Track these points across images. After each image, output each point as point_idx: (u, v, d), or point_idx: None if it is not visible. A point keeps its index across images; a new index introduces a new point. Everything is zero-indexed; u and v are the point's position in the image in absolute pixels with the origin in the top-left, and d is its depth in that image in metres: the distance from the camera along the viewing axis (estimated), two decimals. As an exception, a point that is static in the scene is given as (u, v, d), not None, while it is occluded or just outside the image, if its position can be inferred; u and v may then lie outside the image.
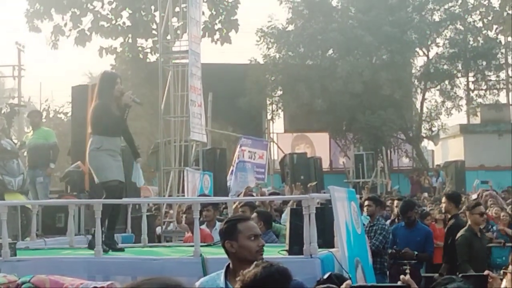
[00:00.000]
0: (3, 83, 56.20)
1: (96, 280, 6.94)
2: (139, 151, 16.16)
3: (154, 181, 25.05)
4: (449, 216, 10.98)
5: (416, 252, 11.25)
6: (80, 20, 36.33)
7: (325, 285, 5.54)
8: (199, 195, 13.12)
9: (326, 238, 8.58)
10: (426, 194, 24.09)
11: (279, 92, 37.18)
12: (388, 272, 11.05)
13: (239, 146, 22.71)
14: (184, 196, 14.31)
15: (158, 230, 14.04)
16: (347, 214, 8.80)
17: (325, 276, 5.59)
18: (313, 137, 40.46)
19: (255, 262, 4.28)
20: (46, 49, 37.53)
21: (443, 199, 11.29)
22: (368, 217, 11.28)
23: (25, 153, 14.14)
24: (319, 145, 39.39)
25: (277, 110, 38.25)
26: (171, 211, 14.91)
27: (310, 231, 8.06)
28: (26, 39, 72.29)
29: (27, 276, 6.47)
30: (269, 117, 37.84)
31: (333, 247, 8.48)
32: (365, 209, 11.25)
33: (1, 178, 11.21)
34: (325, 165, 34.13)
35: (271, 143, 31.31)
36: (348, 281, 4.88)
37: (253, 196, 14.38)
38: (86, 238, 10.94)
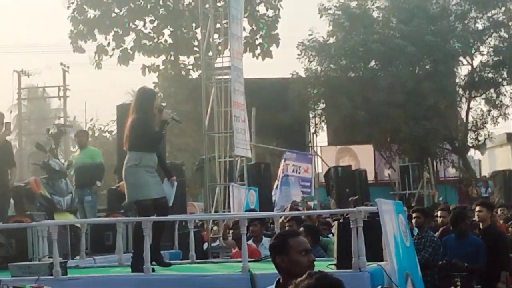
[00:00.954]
0: (49, 104, 56.90)
1: (146, 297, 6.98)
2: (183, 167, 16.33)
3: (200, 197, 25.14)
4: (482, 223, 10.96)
5: (466, 264, 11.05)
6: (123, 39, 36.68)
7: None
8: (247, 211, 13.13)
9: (375, 252, 8.52)
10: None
11: (322, 105, 37.07)
12: (438, 285, 10.92)
13: (283, 160, 22.72)
14: (229, 211, 14.35)
15: (205, 246, 14.07)
16: (395, 227, 8.73)
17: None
18: (357, 149, 40.29)
19: (308, 272, 4.26)
20: (90, 68, 37.87)
21: (478, 208, 11.21)
22: (416, 229, 11.18)
23: (72, 173, 14.27)
24: (364, 157, 39.23)
25: (320, 123, 38.15)
26: (214, 228, 14.96)
27: (359, 245, 8.03)
28: (70, 59, 73.22)
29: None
30: (312, 130, 37.80)
31: (381, 260, 8.43)
32: (413, 221, 11.14)
33: (50, 197, 11.35)
34: (370, 177, 33.97)
35: (315, 156, 31.25)
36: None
37: (299, 210, 14.35)
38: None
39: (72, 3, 36.18)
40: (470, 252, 11.17)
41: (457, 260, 11.02)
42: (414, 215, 11.20)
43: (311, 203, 18.18)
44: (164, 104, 9.62)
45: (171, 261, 11.04)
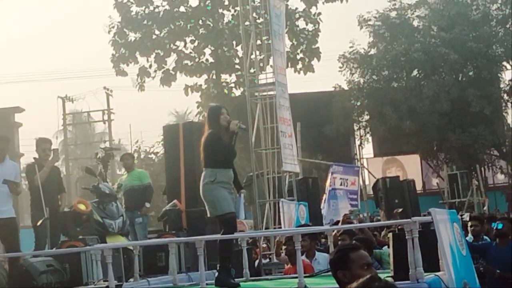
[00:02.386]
0: (94, 128, 57.46)
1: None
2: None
3: (248, 214, 25.13)
4: None
5: (498, 270, 10.75)
6: (165, 61, 36.94)
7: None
8: (298, 226, 13.06)
9: (431, 262, 8.42)
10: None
11: (366, 117, 36.97)
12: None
13: (330, 173, 22.61)
14: (280, 227, 14.29)
15: (256, 262, 14.03)
16: (451, 236, 8.63)
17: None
18: (403, 159, 40.03)
19: (370, 275, 4.23)
20: (133, 91, 38.19)
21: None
22: (472, 237, 11.02)
23: (121, 195, 14.35)
24: (411, 167, 38.95)
25: (365, 135, 38.03)
26: (263, 245, 14.91)
27: (415, 255, 7.94)
28: (113, 83, 73.92)
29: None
30: (357, 142, 37.65)
31: (438, 270, 8.32)
32: (470, 229, 10.98)
33: (102, 221, 11.39)
34: (418, 187, 33.66)
35: (362, 168, 31.07)
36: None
37: (352, 223, 14.25)
38: (187, 275, 11.01)
39: (113, 27, 36.56)
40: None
41: (488, 266, 10.71)
42: (470, 223, 11.04)
43: (361, 216, 18.06)
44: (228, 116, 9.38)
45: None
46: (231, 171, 9.25)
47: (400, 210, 14.80)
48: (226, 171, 9.12)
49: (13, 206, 11.42)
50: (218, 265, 9.27)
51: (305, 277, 8.79)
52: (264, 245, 15.37)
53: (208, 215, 9.49)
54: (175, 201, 13.10)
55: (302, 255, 10.03)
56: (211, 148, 9.05)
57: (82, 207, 11.13)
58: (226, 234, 9.07)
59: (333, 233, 10.47)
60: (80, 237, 10.75)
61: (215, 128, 9.14)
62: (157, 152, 35.86)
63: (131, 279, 10.98)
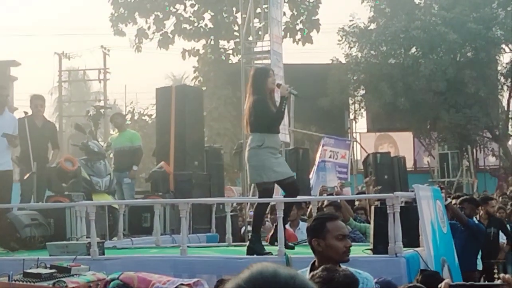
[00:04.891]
0: (89, 86, 57.32)
1: (182, 278, 7.03)
2: (221, 152, 16.39)
3: (238, 182, 25.20)
4: None
5: None
6: (163, 23, 36.80)
7: (411, 285, 5.52)
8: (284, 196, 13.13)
9: (411, 237, 8.51)
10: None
11: (362, 92, 36.95)
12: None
13: (321, 145, 22.66)
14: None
15: (242, 230, 14.12)
16: (433, 213, 8.72)
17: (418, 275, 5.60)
18: (396, 136, 40.11)
19: (324, 267, 4.38)
20: (130, 52, 38.03)
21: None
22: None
23: (111, 155, 14.37)
24: (403, 144, 39.04)
25: (359, 110, 38.04)
26: (250, 212, 14.97)
27: (395, 230, 8.01)
28: (111, 42, 73.61)
29: (116, 273, 6.61)
30: (351, 116, 37.64)
31: (418, 246, 8.41)
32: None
33: (89, 178, 11.43)
34: (409, 164, 33.75)
35: (354, 142, 31.13)
36: (447, 280, 4.87)
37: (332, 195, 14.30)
38: (171, 237, 11.10)
39: (114, -14, 36.37)
40: None
41: None
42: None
43: (347, 189, 18.06)
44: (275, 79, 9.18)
45: (208, 244, 11.13)
46: (278, 136, 9.11)
47: (379, 187, 14.81)
48: (274, 136, 8.91)
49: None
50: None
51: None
52: (251, 213, 15.45)
53: (249, 180, 9.36)
54: (162, 163, 13.14)
55: (286, 223, 10.09)
56: (258, 114, 8.76)
57: (68, 164, 11.16)
58: (262, 203, 8.99)
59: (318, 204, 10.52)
60: (66, 193, 10.80)
61: (261, 92, 8.84)
62: (151, 114, 35.82)
63: (115, 238, 11.08)
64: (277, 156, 9.00)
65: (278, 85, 9.04)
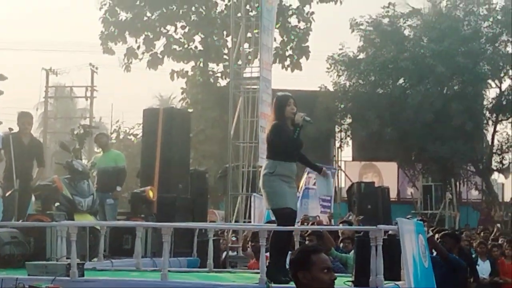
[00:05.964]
0: (76, 103, 57.20)
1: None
2: (206, 175, 16.36)
3: (221, 205, 25.13)
4: None
5: None
6: (153, 44, 36.78)
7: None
8: (267, 222, 13.11)
9: (393, 271, 8.48)
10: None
11: (348, 120, 37.03)
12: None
13: (306, 173, 22.64)
14: (250, 222, 14.33)
15: (223, 254, 14.07)
16: (415, 247, 8.69)
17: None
18: (381, 166, 40.16)
19: None
20: (119, 71, 37.97)
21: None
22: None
23: (95, 174, 14.32)
24: (387, 174, 39.08)
25: (345, 138, 38.10)
26: (233, 238, 14.95)
27: (377, 263, 7.99)
28: (99, 60, 73.45)
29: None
30: (337, 144, 37.72)
31: (399, 279, 8.39)
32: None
33: (71, 198, 11.37)
34: (393, 194, 33.78)
35: (339, 170, 31.18)
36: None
37: (313, 224, 14.29)
38: (152, 260, 11.03)
39: (105, 4, 36.35)
40: None
41: None
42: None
43: (322, 218, 18.13)
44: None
45: (189, 269, 11.07)
46: (294, 164, 8.93)
47: (361, 217, 14.82)
48: (288, 164, 8.80)
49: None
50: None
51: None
52: (234, 238, 15.42)
53: (265, 207, 9.22)
54: (148, 187, 13.05)
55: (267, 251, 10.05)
56: (274, 140, 8.77)
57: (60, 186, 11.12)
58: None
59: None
60: (48, 212, 10.73)
61: (280, 119, 8.86)
62: (137, 134, 35.74)
63: (95, 259, 10.99)
64: (292, 185, 8.89)
65: (295, 113, 9.00)
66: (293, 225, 9.01)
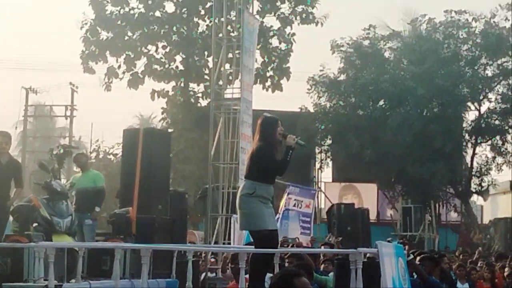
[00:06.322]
0: (55, 122, 56.97)
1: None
2: (186, 195, 16.31)
3: (200, 226, 25.06)
4: None
5: None
6: (134, 63, 36.73)
7: None
8: (247, 244, 13.06)
9: (373, 294, 8.47)
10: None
11: (329, 141, 37.11)
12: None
13: (286, 194, 22.64)
14: (230, 243, 14.27)
15: (203, 276, 13.99)
16: (394, 270, 8.70)
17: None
18: (361, 187, 40.26)
19: None
20: (99, 90, 37.86)
21: None
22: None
23: (73, 194, 14.23)
24: (367, 196, 39.18)
25: (325, 159, 38.14)
26: (212, 259, 14.86)
27: (357, 285, 7.98)
28: (80, 79, 73.30)
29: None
30: (317, 165, 37.74)
31: (379, 303, 8.37)
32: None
33: (50, 219, 11.26)
34: (372, 216, 33.87)
35: (319, 192, 31.20)
36: None
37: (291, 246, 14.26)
38: (130, 282, 10.93)
39: (85, 23, 36.30)
40: None
41: None
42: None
43: (303, 240, 18.09)
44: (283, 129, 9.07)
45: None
46: (271, 187, 8.90)
47: (340, 239, 14.81)
48: (266, 186, 8.79)
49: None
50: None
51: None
52: (213, 259, 15.36)
53: (239, 228, 9.18)
54: (129, 208, 12.97)
55: (247, 274, 10.01)
56: (256, 162, 8.74)
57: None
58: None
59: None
60: (26, 232, 10.62)
61: (269, 141, 8.85)
62: (116, 154, 35.59)
63: (73, 280, 10.88)
64: (268, 206, 8.84)
65: (285, 136, 9.00)
66: (275, 245, 8.95)
